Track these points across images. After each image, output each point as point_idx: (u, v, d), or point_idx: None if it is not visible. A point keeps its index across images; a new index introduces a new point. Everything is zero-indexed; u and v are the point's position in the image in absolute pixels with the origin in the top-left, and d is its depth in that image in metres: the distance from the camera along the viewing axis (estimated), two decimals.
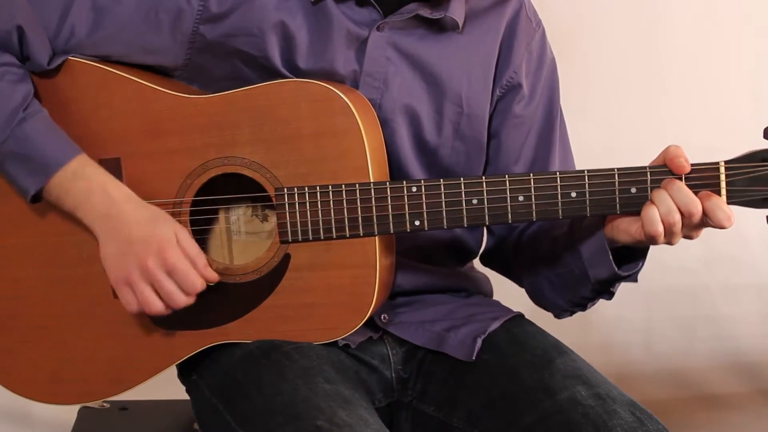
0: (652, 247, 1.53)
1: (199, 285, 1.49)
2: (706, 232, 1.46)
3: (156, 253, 1.47)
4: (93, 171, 1.52)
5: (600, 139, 2.79)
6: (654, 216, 1.41)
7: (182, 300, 1.49)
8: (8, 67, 1.54)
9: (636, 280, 1.55)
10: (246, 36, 1.55)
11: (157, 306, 1.49)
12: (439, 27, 1.60)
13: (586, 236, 1.54)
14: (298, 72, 1.56)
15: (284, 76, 1.55)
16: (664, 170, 1.43)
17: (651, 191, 1.43)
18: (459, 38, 1.61)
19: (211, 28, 1.55)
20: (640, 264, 1.53)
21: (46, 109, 1.55)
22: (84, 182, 1.51)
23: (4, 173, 1.54)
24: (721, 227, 1.41)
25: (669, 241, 1.43)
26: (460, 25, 1.59)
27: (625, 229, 1.47)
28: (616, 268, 1.51)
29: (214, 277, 1.51)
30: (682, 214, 1.41)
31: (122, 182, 1.54)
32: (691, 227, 1.42)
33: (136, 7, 1.54)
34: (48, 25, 1.55)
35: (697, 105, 3.02)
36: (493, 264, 1.81)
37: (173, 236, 1.49)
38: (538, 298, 1.72)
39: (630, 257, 1.53)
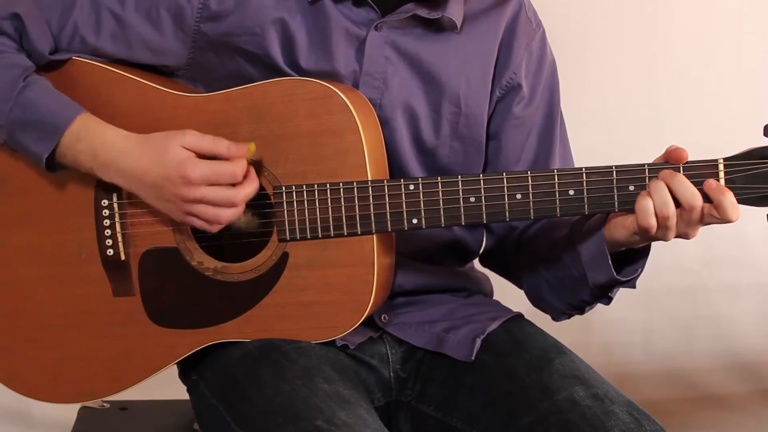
0: (651, 247, 1.53)
1: (239, 169, 1.47)
2: (706, 231, 1.46)
3: (182, 181, 1.46)
4: (92, 127, 1.51)
5: (599, 139, 2.79)
6: (648, 207, 1.41)
7: (240, 193, 1.47)
8: (6, 46, 1.54)
9: (634, 287, 1.55)
10: (248, 35, 1.55)
11: (224, 216, 1.47)
12: (438, 27, 1.60)
13: (585, 240, 1.54)
14: (300, 71, 1.56)
15: (287, 74, 1.55)
16: (662, 167, 1.43)
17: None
18: (457, 38, 1.61)
19: (212, 26, 1.55)
20: (639, 270, 1.53)
21: None
22: (86, 141, 1.50)
23: (17, 144, 1.54)
24: (729, 222, 1.41)
25: (663, 235, 1.43)
26: (458, 26, 1.59)
27: (621, 223, 1.47)
28: (615, 274, 1.51)
29: (243, 147, 1.48)
30: (683, 207, 1.40)
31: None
32: (690, 223, 1.42)
33: (136, 6, 1.55)
34: (50, 22, 1.55)
35: (696, 105, 3.02)
36: (492, 264, 1.80)
37: (182, 153, 1.47)
38: (536, 299, 1.72)
39: (631, 259, 1.53)
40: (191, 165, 1.46)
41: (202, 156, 1.48)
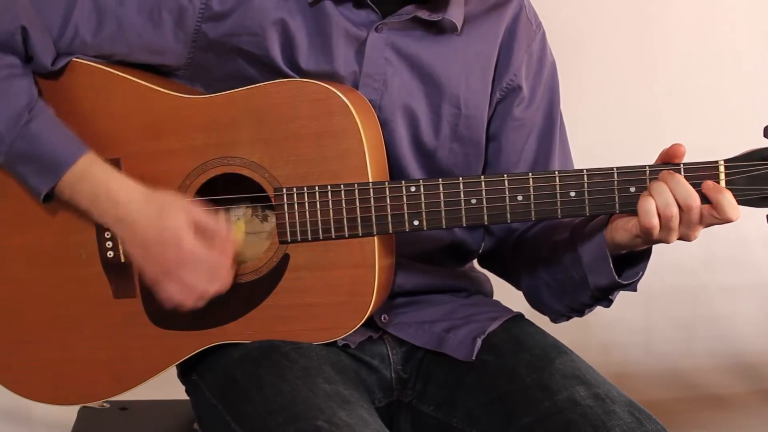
0: (652, 250, 1.53)
1: (224, 264, 1.48)
2: (706, 231, 1.46)
3: (173, 249, 1.46)
4: (97, 170, 1.51)
5: (599, 140, 2.79)
6: (650, 208, 1.41)
7: (212, 288, 1.48)
8: (12, 69, 1.54)
9: (635, 290, 1.55)
10: (248, 35, 1.55)
11: (188, 303, 1.49)
12: (438, 29, 1.60)
13: (586, 242, 1.54)
14: (299, 72, 1.56)
15: (287, 75, 1.55)
16: (663, 168, 1.43)
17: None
18: (458, 40, 1.61)
19: (213, 26, 1.55)
20: (641, 273, 1.53)
21: None
22: (89, 184, 1.50)
23: (16, 174, 1.54)
24: (729, 221, 1.41)
25: (665, 237, 1.42)
26: (459, 28, 1.59)
27: (622, 226, 1.47)
28: (616, 276, 1.51)
29: (237, 240, 1.50)
30: (680, 208, 1.40)
31: None
32: (690, 224, 1.42)
33: (138, 6, 1.54)
34: (51, 26, 1.54)
35: (696, 106, 3.02)
36: (491, 266, 1.81)
37: (184, 223, 1.47)
38: (535, 301, 1.72)
39: (632, 262, 1.53)
40: (188, 238, 1.47)
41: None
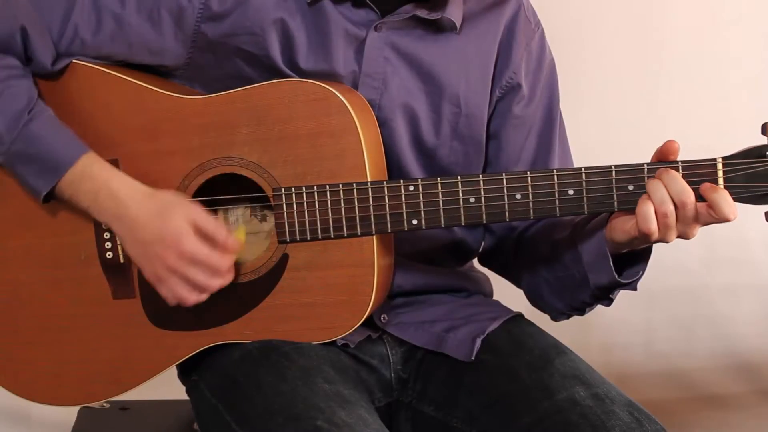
0: (653, 249, 1.52)
1: (225, 263, 1.49)
2: (707, 231, 1.45)
3: (173, 249, 1.47)
4: (98, 169, 1.52)
5: (598, 139, 2.79)
6: (648, 212, 1.40)
7: (215, 283, 1.49)
8: (11, 69, 1.54)
9: (635, 289, 1.55)
10: (247, 35, 1.55)
11: (191, 298, 1.50)
12: (437, 28, 1.60)
13: (586, 241, 1.54)
14: (299, 72, 1.56)
15: (286, 75, 1.55)
16: (661, 166, 1.42)
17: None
18: (457, 39, 1.61)
19: (212, 26, 1.55)
20: (641, 272, 1.53)
21: None
22: (90, 183, 1.51)
23: (15, 174, 1.55)
24: (726, 220, 1.40)
25: (664, 236, 1.42)
26: (458, 26, 1.60)
27: (620, 227, 1.47)
28: (616, 275, 1.51)
29: (237, 244, 1.50)
30: (675, 204, 1.40)
31: None
32: (687, 221, 1.41)
33: (137, 6, 1.55)
34: (51, 26, 1.55)
35: (696, 105, 3.02)
36: (492, 264, 1.80)
37: (185, 224, 1.48)
38: (536, 300, 1.72)
39: (632, 260, 1.53)
40: (189, 239, 1.48)
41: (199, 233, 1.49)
